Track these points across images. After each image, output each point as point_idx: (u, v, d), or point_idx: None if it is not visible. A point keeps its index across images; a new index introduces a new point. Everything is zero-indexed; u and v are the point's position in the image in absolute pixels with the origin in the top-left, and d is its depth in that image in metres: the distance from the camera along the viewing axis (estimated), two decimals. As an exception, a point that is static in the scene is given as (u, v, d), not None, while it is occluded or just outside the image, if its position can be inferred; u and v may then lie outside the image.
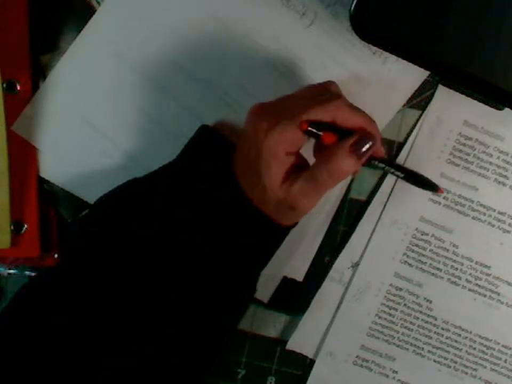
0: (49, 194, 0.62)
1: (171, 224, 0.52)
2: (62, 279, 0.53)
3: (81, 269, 0.52)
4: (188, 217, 0.52)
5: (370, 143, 0.49)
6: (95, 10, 0.60)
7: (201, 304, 0.52)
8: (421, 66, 0.54)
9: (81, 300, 0.51)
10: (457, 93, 0.59)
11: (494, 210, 0.59)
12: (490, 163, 0.59)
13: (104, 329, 0.50)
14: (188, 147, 0.56)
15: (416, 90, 0.59)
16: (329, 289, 0.61)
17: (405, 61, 0.54)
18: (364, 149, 0.49)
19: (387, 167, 0.54)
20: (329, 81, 0.54)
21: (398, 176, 0.56)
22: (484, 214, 0.59)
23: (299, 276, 0.61)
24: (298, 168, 0.51)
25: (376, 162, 0.53)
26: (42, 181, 0.62)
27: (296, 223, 0.54)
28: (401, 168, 0.56)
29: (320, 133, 0.50)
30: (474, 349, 0.60)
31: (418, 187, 0.58)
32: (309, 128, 0.49)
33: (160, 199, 0.53)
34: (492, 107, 0.58)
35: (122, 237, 0.53)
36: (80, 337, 0.50)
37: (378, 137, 0.50)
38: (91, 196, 0.61)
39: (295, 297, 0.61)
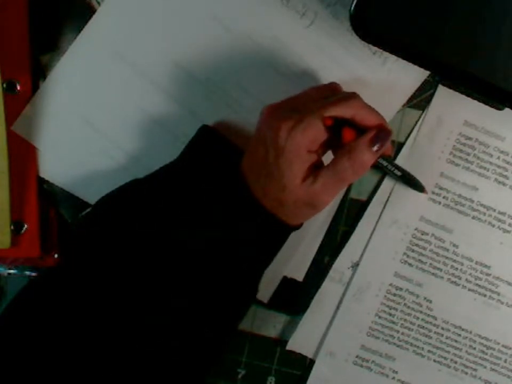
0: (49, 194, 0.62)
1: (173, 224, 0.52)
2: (63, 279, 0.53)
3: (83, 269, 0.52)
4: (191, 217, 0.52)
5: (386, 138, 0.51)
6: (95, 10, 0.60)
7: (203, 304, 0.52)
8: (421, 66, 0.54)
9: (82, 300, 0.51)
10: (457, 93, 0.59)
11: (494, 210, 0.59)
12: (491, 163, 0.59)
13: (105, 329, 0.50)
14: (189, 147, 0.56)
15: (416, 90, 0.59)
16: (329, 289, 0.61)
17: (405, 61, 0.54)
18: (381, 143, 0.51)
19: (388, 165, 0.55)
20: (333, 82, 0.55)
21: (395, 175, 0.57)
22: (484, 214, 0.59)
23: (299, 276, 0.61)
24: (316, 167, 0.51)
25: (381, 160, 0.54)
26: (42, 181, 0.62)
27: (301, 224, 0.54)
28: (398, 168, 0.56)
29: (341, 131, 0.51)
30: (474, 349, 0.60)
31: (409, 186, 0.59)
32: (332, 124, 0.50)
33: (162, 200, 0.53)
34: (492, 107, 0.58)
35: (123, 237, 0.53)
36: (81, 338, 0.50)
37: (391, 134, 0.52)
38: (91, 196, 0.61)
39: (295, 297, 0.61)
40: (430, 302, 0.60)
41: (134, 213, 0.53)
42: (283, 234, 0.53)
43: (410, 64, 0.54)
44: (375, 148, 0.50)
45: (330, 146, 0.53)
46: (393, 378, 0.61)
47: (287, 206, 0.51)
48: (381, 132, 0.51)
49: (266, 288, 0.60)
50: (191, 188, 0.53)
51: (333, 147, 0.53)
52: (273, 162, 0.50)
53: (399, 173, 0.56)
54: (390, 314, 0.61)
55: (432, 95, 0.59)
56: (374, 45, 0.54)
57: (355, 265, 0.61)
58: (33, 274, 0.62)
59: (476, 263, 0.60)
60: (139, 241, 0.52)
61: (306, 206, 0.51)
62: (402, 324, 0.61)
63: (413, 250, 0.60)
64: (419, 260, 0.60)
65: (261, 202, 0.51)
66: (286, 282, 0.61)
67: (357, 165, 0.50)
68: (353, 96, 0.52)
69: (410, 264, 0.60)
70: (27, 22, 0.60)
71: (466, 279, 0.60)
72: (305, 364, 0.62)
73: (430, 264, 0.60)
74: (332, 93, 0.54)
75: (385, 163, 0.55)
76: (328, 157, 0.52)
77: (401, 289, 0.60)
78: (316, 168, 0.51)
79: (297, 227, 0.54)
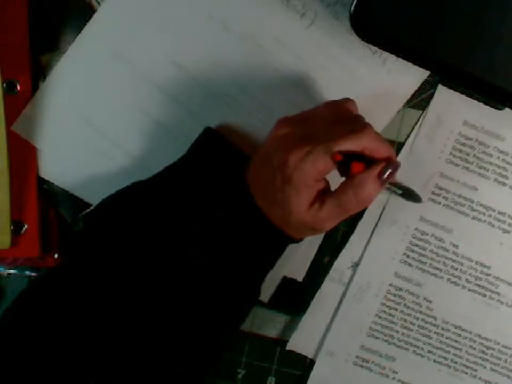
0: (49, 194, 0.62)
1: (177, 227, 0.52)
2: (67, 280, 0.52)
3: (86, 270, 0.52)
4: (194, 220, 0.52)
5: (393, 169, 0.51)
6: (95, 10, 0.60)
7: (205, 307, 0.52)
8: (421, 66, 0.54)
9: (85, 301, 0.51)
10: (457, 93, 0.59)
11: (494, 210, 0.59)
12: (490, 163, 0.59)
13: (107, 329, 0.50)
14: (193, 149, 0.56)
15: (416, 90, 0.59)
16: (329, 289, 0.61)
17: (405, 61, 0.54)
18: (387, 175, 0.50)
19: (390, 187, 0.55)
20: (348, 99, 0.54)
21: (396, 194, 0.57)
22: (484, 214, 0.59)
23: (299, 275, 0.61)
24: (323, 192, 0.51)
25: (388, 185, 0.54)
26: (42, 181, 0.62)
27: (303, 238, 0.55)
28: (398, 186, 0.57)
29: (349, 163, 0.50)
30: (474, 349, 0.60)
31: (408, 200, 0.58)
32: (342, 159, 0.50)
33: (166, 202, 0.53)
34: (492, 107, 0.58)
35: (127, 239, 0.53)
36: (82, 339, 0.50)
37: (399, 164, 0.52)
38: (91, 196, 0.61)
39: (295, 297, 0.61)
40: (430, 302, 0.60)
41: (138, 215, 0.53)
42: (285, 244, 0.54)
43: (410, 64, 0.54)
44: (382, 180, 0.50)
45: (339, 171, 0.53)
46: (393, 378, 0.61)
47: (292, 226, 0.51)
48: (389, 166, 0.50)
49: (266, 288, 0.60)
50: (195, 192, 0.53)
51: (342, 172, 0.52)
52: (280, 188, 0.50)
53: (400, 191, 0.56)
54: (390, 315, 0.61)
55: (432, 95, 0.59)
56: (374, 45, 0.54)
57: (355, 265, 0.61)
58: (33, 274, 0.62)
59: (476, 263, 0.60)
60: (142, 243, 0.52)
61: (309, 229, 0.52)
62: (402, 324, 0.61)
63: (412, 251, 0.60)
64: (419, 260, 0.60)
65: (265, 213, 0.51)
66: (286, 282, 0.61)
67: (362, 198, 0.50)
68: (364, 128, 0.50)
69: (410, 264, 0.60)
70: (27, 22, 0.60)
71: (466, 279, 0.60)
72: (305, 364, 0.62)
73: (430, 264, 0.60)
74: (346, 115, 0.53)
75: (387, 185, 0.54)
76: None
77: (401, 289, 0.60)
78: (323, 194, 0.51)
79: (299, 240, 0.54)
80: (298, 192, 0.49)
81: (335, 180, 0.52)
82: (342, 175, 0.52)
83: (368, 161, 0.51)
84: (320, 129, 0.51)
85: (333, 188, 0.52)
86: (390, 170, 0.50)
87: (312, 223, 0.51)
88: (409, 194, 0.58)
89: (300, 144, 0.49)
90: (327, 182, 0.52)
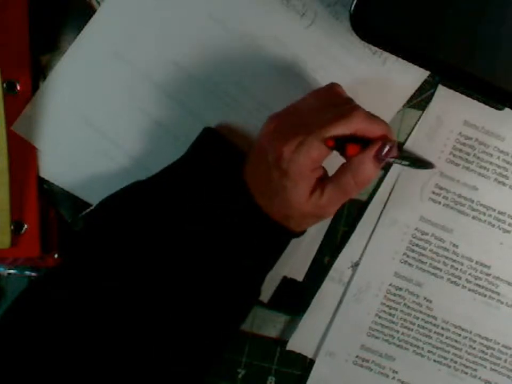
0: (49, 194, 0.62)
1: (177, 227, 0.52)
2: (66, 280, 0.52)
3: (86, 270, 0.52)
4: (194, 221, 0.52)
5: (390, 147, 0.50)
6: (95, 10, 0.60)
7: (205, 306, 0.52)
8: (421, 66, 0.54)
9: (84, 302, 0.51)
10: (457, 93, 0.59)
11: (494, 210, 0.59)
12: (490, 163, 0.59)
13: (107, 329, 0.50)
14: (192, 149, 0.56)
15: (416, 90, 0.59)
16: (329, 289, 0.61)
17: (405, 61, 0.54)
18: (384, 153, 0.50)
19: (395, 160, 0.54)
20: (333, 83, 0.54)
21: (404, 165, 0.56)
22: (484, 214, 0.59)
23: (299, 275, 0.61)
24: (321, 179, 0.51)
25: (391, 160, 0.53)
26: (42, 181, 0.62)
27: (304, 231, 0.55)
28: (404, 158, 0.56)
29: (344, 146, 0.50)
30: (474, 349, 0.60)
31: (420, 168, 0.57)
32: (334, 144, 0.49)
33: (165, 203, 0.53)
34: (492, 107, 0.58)
35: (127, 239, 0.53)
36: (83, 339, 0.50)
37: (395, 140, 0.51)
38: (91, 196, 0.61)
39: (295, 297, 0.61)
40: (430, 302, 0.60)
41: (138, 215, 0.53)
42: (287, 240, 0.54)
43: (410, 64, 0.54)
44: (380, 158, 0.50)
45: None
46: (393, 378, 0.61)
47: (294, 219, 0.51)
48: (386, 144, 0.50)
49: (266, 288, 0.60)
50: (195, 192, 0.53)
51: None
52: (277, 182, 0.50)
53: (406, 163, 0.55)
54: (390, 314, 0.61)
55: (432, 95, 0.59)
56: (374, 45, 0.54)
57: (355, 265, 0.61)
58: (33, 274, 0.62)
59: (476, 263, 0.60)
60: (142, 243, 0.52)
61: (312, 217, 0.52)
62: (402, 323, 0.61)
63: (413, 250, 0.60)
64: (419, 260, 0.60)
65: (265, 211, 0.51)
66: (286, 282, 0.61)
67: (360, 180, 0.50)
68: (353, 111, 0.50)
69: (410, 264, 0.60)
70: (27, 22, 0.60)
71: (466, 279, 0.60)
72: (305, 364, 0.62)
73: (430, 264, 0.60)
74: (334, 99, 0.52)
75: (391, 160, 0.53)
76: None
77: (401, 289, 0.60)
78: (322, 180, 0.51)
79: (301, 233, 0.54)
80: (296, 184, 0.50)
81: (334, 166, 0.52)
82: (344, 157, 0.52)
83: (365, 141, 0.50)
84: (309, 118, 0.51)
85: (330, 173, 0.52)
86: (387, 148, 0.50)
87: (313, 211, 0.51)
88: (418, 163, 0.57)
89: (291, 136, 0.49)
90: (324, 169, 0.52)
